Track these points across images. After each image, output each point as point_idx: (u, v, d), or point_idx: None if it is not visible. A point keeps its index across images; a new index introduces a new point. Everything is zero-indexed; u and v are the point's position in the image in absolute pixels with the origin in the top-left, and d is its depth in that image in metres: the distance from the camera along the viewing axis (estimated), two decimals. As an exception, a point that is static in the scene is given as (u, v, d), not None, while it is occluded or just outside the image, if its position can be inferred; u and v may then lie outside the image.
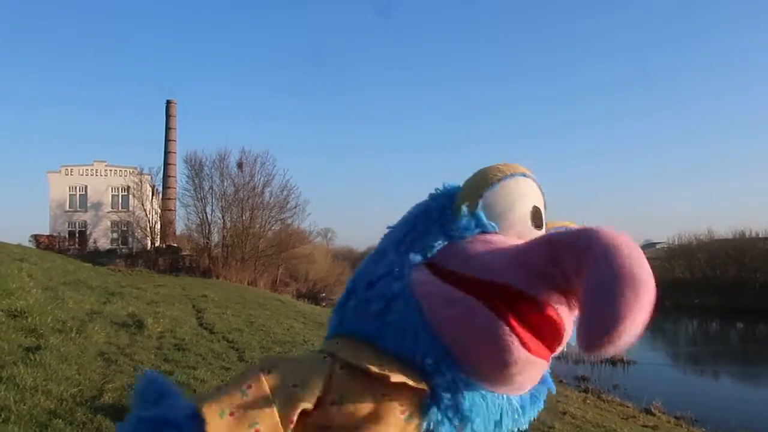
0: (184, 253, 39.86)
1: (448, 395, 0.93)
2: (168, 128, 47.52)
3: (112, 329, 9.89)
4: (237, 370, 7.90)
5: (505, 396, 0.97)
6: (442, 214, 1.02)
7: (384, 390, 0.91)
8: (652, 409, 13.84)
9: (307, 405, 0.89)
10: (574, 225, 1.08)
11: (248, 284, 36.63)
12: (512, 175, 1.03)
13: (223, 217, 40.93)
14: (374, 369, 0.91)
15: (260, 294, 29.53)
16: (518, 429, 1.02)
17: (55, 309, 9.65)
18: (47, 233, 40.37)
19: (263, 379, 0.92)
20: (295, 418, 0.88)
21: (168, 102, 48.10)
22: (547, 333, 0.92)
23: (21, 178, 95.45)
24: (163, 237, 42.89)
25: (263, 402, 0.89)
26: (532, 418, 1.04)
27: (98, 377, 6.64)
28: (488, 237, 0.98)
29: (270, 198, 42.31)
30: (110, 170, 43.33)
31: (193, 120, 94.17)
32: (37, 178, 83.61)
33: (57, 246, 37.63)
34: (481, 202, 1.01)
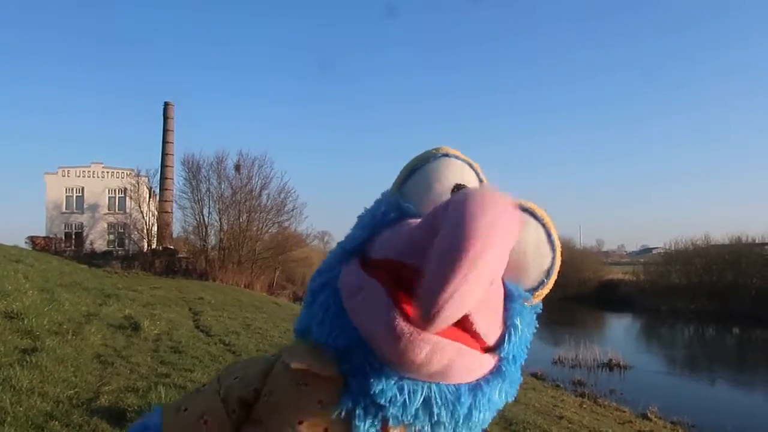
0: (181, 256, 39.75)
1: (356, 381, 0.91)
2: (165, 130, 47.45)
3: (109, 331, 9.86)
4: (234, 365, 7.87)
5: (433, 384, 0.90)
6: (375, 207, 1.04)
7: (305, 380, 0.94)
8: (649, 414, 13.84)
9: (243, 393, 0.98)
10: (521, 201, 1.01)
11: (245, 287, 36.57)
12: (434, 157, 1.05)
13: (220, 219, 40.93)
14: (285, 358, 0.97)
15: (257, 297, 29.49)
16: (470, 424, 0.95)
17: (51, 311, 9.63)
18: (44, 235, 40.30)
19: (217, 376, 1.04)
20: (235, 407, 0.98)
21: (166, 104, 48.04)
22: None
23: (18, 180, 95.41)
24: (160, 239, 42.78)
25: (212, 395, 1.00)
26: (481, 413, 0.94)
27: (94, 379, 6.63)
28: (407, 221, 0.97)
29: (267, 201, 42.37)
30: (107, 172, 43.27)
31: (190, 122, 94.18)
32: (34, 180, 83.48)
33: (53, 247, 37.54)
34: (403, 189, 1.03)
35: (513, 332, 0.95)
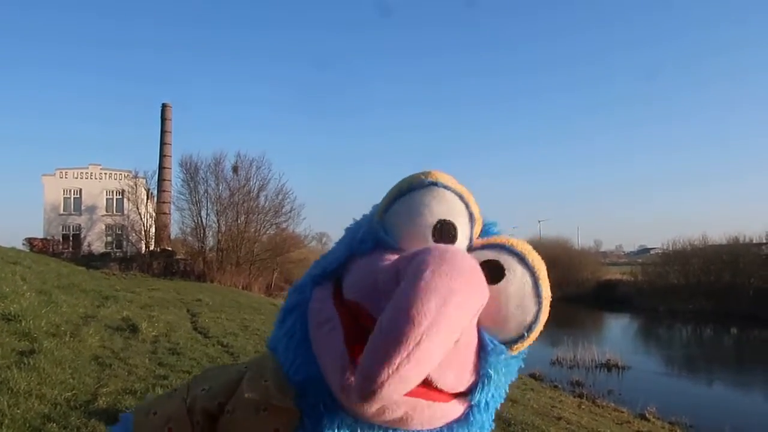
0: (179, 257, 39.69)
1: (309, 421, 0.89)
2: (163, 132, 47.35)
3: (107, 333, 9.85)
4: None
5: (390, 430, 0.87)
6: (354, 229, 0.98)
7: (265, 405, 0.92)
8: (647, 415, 13.83)
9: (207, 406, 0.97)
10: (514, 242, 0.95)
11: (243, 288, 36.53)
12: (422, 185, 0.95)
13: (218, 220, 40.86)
14: (243, 384, 0.96)
15: (255, 298, 29.46)
16: None
17: (49, 313, 9.62)
18: (41, 236, 40.23)
19: (188, 383, 1.04)
20: (200, 419, 0.97)
21: (163, 105, 47.95)
22: None
23: (15, 181, 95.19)
24: (158, 241, 42.72)
25: (179, 403, 1.00)
26: None
27: (92, 381, 6.62)
28: (381, 253, 0.91)
29: (265, 202, 42.30)
30: (105, 173, 43.26)
31: (188, 124, 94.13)
32: (32, 181, 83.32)
33: (51, 249, 37.49)
34: (386, 215, 0.95)
35: (486, 382, 0.89)
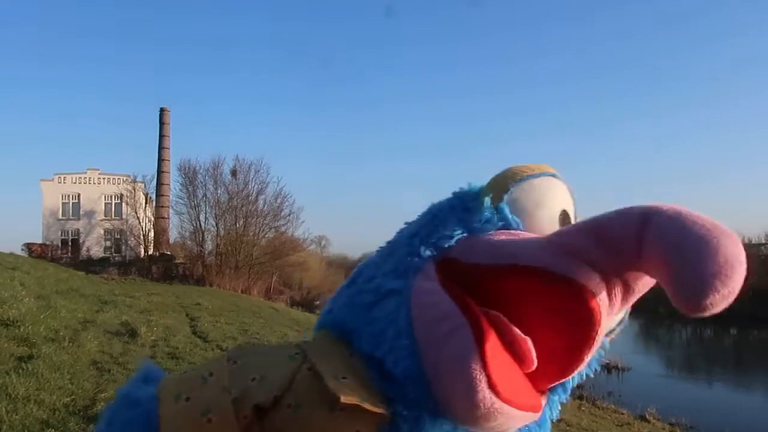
0: (178, 261, 39.70)
1: (407, 426, 0.83)
2: (161, 136, 47.44)
3: (105, 338, 9.83)
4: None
5: None
6: (463, 207, 0.92)
7: (342, 405, 0.80)
8: (647, 416, 13.84)
9: (262, 401, 0.84)
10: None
11: (242, 292, 36.47)
12: (542, 174, 0.96)
13: (216, 224, 40.84)
14: (330, 383, 0.82)
15: (254, 302, 29.42)
16: None
17: (47, 318, 9.60)
18: (40, 242, 40.16)
19: (226, 368, 0.89)
20: (249, 413, 0.84)
21: (161, 110, 48.05)
22: (549, 369, 0.83)
23: (14, 187, 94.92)
24: (157, 245, 42.72)
25: (220, 392, 0.86)
26: None
27: (91, 386, 6.60)
28: (513, 232, 0.89)
29: (264, 206, 42.28)
30: (103, 178, 43.21)
31: (187, 127, 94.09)
32: (30, 187, 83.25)
33: (50, 254, 37.46)
34: (506, 197, 0.93)
35: (574, 379, 0.91)
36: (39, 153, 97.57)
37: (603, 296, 0.78)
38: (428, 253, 0.88)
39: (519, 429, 0.89)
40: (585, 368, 0.88)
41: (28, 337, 8.02)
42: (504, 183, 0.94)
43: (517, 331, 0.80)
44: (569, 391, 0.92)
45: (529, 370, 0.82)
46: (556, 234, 0.83)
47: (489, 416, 0.77)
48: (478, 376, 0.75)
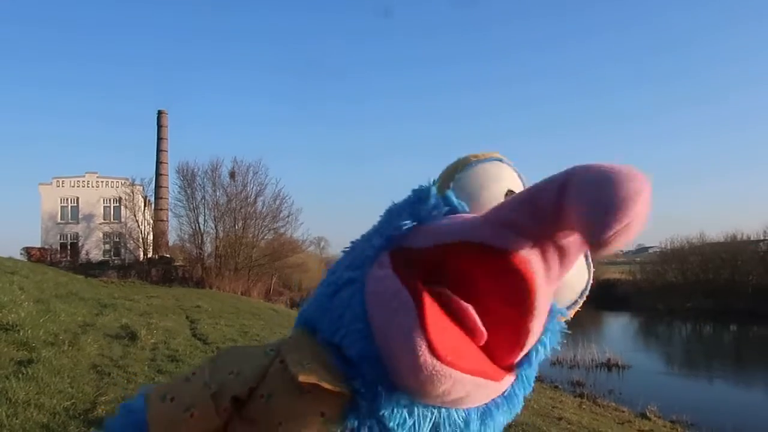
0: (177, 264, 39.70)
1: (366, 403, 0.87)
2: (159, 139, 47.44)
3: (105, 341, 9.82)
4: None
5: (443, 410, 0.89)
6: (416, 200, 0.96)
7: (309, 388, 0.87)
8: (648, 414, 13.83)
9: (238, 393, 0.91)
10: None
11: (242, 294, 36.47)
12: (486, 160, 1.04)
13: (215, 227, 40.89)
14: (293, 369, 0.88)
15: (254, 304, 29.41)
16: None
17: (47, 322, 9.59)
18: (39, 246, 40.14)
19: (207, 366, 0.97)
20: (228, 405, 0.91)
21: (159, 112, 48.04)
22: (501, 340, 0.86)
23: (12, 191, 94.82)
24: (156, 248, 42.74)
25: (201, 387, 0.93)
26: None
27: (91, 390, 6.59)
28: (457, 216, 0.93)
29: (262, 207, 42.36)
30: (102, 181, 43.19)
31: (185, 129, 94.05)
32: (29, 191, 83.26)
33: (49, 258, 37.41)
34: (452, 185, 1.01)
35: (538, 352, 0.92)
36: (37, 157, 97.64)
37: (538, 263, 0.81)
38: (379, 242, 0.93)
39: (487, 405, 0.93)
40: (547, 340, 0.91)
41: (27, 341, 8.01)
42: (452, 172, 1.03)
43: (460, 301, 0.85)
44: (534, 365, 0.94)
45: (483, 340, 0.86)
46: (494, 209, 0.87)
47: (433, 379, 0.80)
48: (419, 343, 0.79)
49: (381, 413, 0.87)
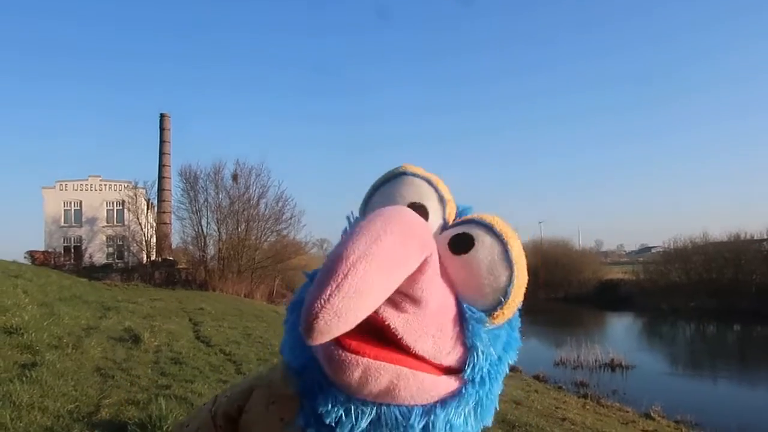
0: (180, 267, 39.70)
1: (307, 401, 0.94)
2: (162, 142, 47.44)
3: (109, 344, 9.84)
4: (234, 383, 7.84)
5: (383, 407, 0.91)
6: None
7: (274, 398, 1.03)
8: (652, 414, 13.80)
9: (228, 410, 1.10)
10: (484, 215, 1.01)
11: (245, 296, 36.52)
12: (395, 176, 1.07)
13: (218, 229, 40.86)
14: (254, 381, 1.11)
15: (257, 306, 29.45)
16: None
17: (51, 325, 9.62)
18: (42, 249, 40.16)
19: (215, 396, 1.19)
20: (222, 422, 1.10)
21: (162, 115, 48.05)
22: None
23: (16, 195, 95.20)
24: (159, 250, 42.76)
25: (207, 412, 1.14)
26: None
27: (95, 393, 6.60)
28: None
29: (265, 209, 42.32)
30: (105, 185, 43.20)
31: (187, 131, 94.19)
32: (32, 194, 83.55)
33: (52, 262, 37.43)
34: (366, 209, 1.06)
35: (474, 354, 0.93)
36: (41, 161, 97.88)
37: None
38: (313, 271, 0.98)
39: (432, 403, 0.92)
40: (479, 343, 0.93)
41: (31, 344, 8.04)
42: (368, 192, 1.09)
43: None
44: (480, 365, 0.94)
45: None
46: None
47: (342, 366, 0.85)
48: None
49: (319, 411, 0.92)
